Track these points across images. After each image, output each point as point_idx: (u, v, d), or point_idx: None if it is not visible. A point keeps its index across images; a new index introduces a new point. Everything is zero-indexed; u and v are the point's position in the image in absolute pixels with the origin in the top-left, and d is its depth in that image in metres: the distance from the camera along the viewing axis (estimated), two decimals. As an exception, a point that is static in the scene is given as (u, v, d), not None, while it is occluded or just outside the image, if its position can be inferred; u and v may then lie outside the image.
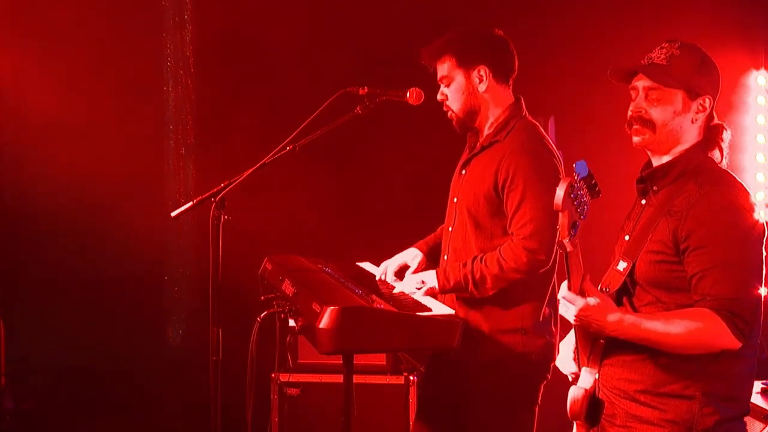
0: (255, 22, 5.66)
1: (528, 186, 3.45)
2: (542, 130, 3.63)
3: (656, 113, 2.71)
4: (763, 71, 5.31)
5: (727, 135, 2.75)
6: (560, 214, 2.49)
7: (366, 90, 3.69)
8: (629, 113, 2.75)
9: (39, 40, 5.63)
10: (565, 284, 2.62)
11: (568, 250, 2.52)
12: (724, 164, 2.76)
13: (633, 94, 2.77)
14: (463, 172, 3.71)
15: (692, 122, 2.71)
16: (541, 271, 3.47)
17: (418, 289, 3.57)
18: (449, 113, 3.67)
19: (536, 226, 3.42)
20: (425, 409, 3.82)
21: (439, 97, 3.68)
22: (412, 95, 3.70)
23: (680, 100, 2.70)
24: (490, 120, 3.64)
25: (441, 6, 5.31)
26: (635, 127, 2.73)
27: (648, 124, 2.71)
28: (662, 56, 2.71)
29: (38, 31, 5.63)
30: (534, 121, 3.65)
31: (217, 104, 5.74)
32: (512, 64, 3.66)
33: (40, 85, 5.60)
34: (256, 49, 5.68)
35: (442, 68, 3.64)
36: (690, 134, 2.72)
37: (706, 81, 2.71)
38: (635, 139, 2.74)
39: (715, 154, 2.75)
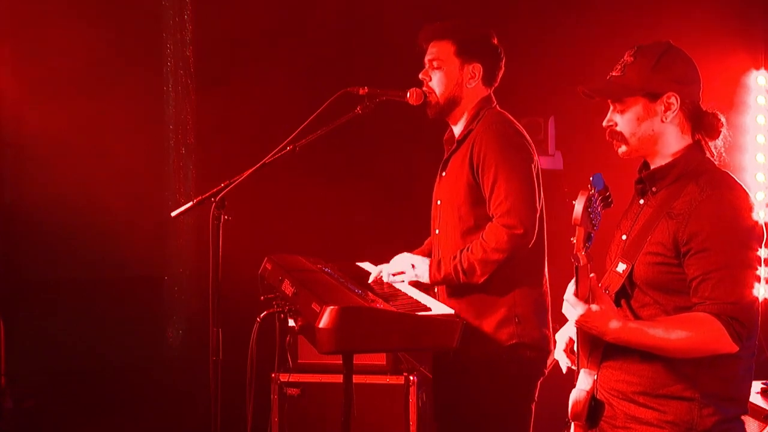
0: (255, 22, 5.66)
1: (499, 165, 3.48)
2: (511, 117, 3.67)
3: (622, 124, 2.73)
4: (763, 71, 5.31)
5: (722, 120, 2.74)
6: (577, 228, 2.51)
7: (366, 90, 3.69)
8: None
9: (39, 39, 5.63)
10: (571, 287, 2.61)
11: (581, 263, 2.53)
12: (716, 160, 2.75)
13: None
14: (443, 173, 3.73)
15: (662, 122, 2.71)
16: (525, 248, 3.46)
17: (402, 272, 3.61)
18: (429, 95, 3.68)
19: (511, 203, 3.44)
20: (436, 411, 3.84)
21: (421, 76, 3.69)
22: (412, 95, 3.70)
23: (641, 106, 2.70)
24: (464, 115, 3.67)
25: (441, 6, 5.31)
26: (613, 140, 2.76)
27: (618, 136, 2.74)
28: (619, 67, 2.73)
29: (38, 30, 5.64)
30: (502, 110, 3.69)
31: (217, 104, 5.74)
32: (497, 76, 3.72)
33: (39, 84, 5.60)
34: (256, 49, 5.69)
35: (438, 50, 3.66)
36: (670, 134, 2.72)
37: (664, 78, 2.68)
38: (618, 150, 2.77)
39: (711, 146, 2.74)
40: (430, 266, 3.57)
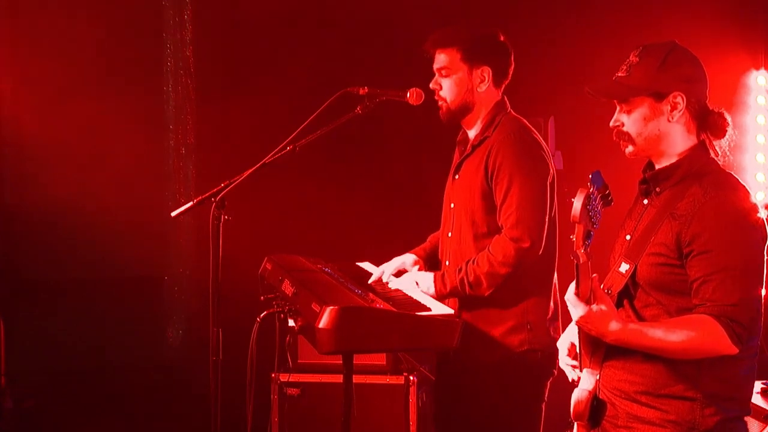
0: (255, 21, 5.66)
1: (514, 176, 3.48)
2: (528, 123, 3.66)
3: (629, 125, 2.72)
4: (763, 71, 5.32)
5: (728, 119, 2.73)
6: (576, 226, 2.51)
7: (366, 90, 3.69)
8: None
9: (38, 39, 5.63)
10: (572, 287, 2.61)
11: (581, 261, 2.53)
12: (720, 159, 2.75)
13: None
14: (456, 176, 3.71)
15: (669, 121, 2.70)
16: (531, 260, 3.46)
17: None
18: (441, 103, 3.67)
19: (520, 215, 3.44)
20: (438, 415, 3.83)
21: (432, 85, 3.68)
22: (412, 95, 3.70)
23: (647, 105, 2.69)
24: (479, 119, 3.66)
25: (442, 6, 5.31)
26: (620, 140, 2.75)
27: (625, 136, 2.73)
28: (624, 67, 2.73)
29: (38, 30, 5.63)
30: (519, 116, 3.68)
31: (217, 104, 5.74)
32: (509, 73, 3.70)
33: (39, 84, 5.60)
34: (256, 49, 5.69)
35: (445, 59, 3.64)
36: (676, 134, 2.71)
37: (670, 77, 2.68)
38: (625, 151, 2.77)
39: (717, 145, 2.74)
40: (435, 280, 3.57)
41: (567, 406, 2.73)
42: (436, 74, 3.68)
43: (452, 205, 3.71)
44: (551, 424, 3.68)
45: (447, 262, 3.72)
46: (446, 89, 3.64)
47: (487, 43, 3.65)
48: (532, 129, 3.64)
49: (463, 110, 3.65)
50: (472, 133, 3.69)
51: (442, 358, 3.75)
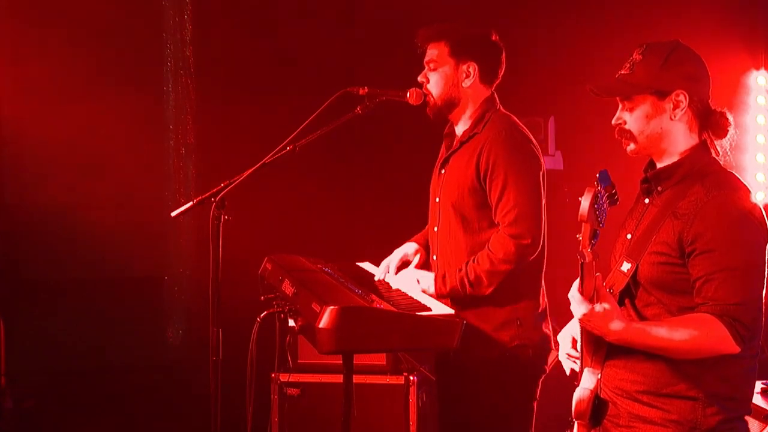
0: (255, 22, 5.66)
1: (509, 173, 3.49)
2: (518, 120, 3.67)
3: (631, 122, 2.72)
4: (763, 71, 5.32)
5: (730, 118, 2.73)
6: (583, 225, 2.52)
7: (366, 90, 3.69)
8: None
9: (38, 39, 5.63)
10: (576, 285, 2.61)
11: (587, 260, 2.53)
12: (720, 159, 2.75)
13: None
14: (443, 171, 3.73)
15: (671, 120, 2.71)
16: (531, 257, 3.48)
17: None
18: (428, 98, 3.69)
19: (519, 212, 3.45)
20: (441, 414, 3.85)
21: (420, 78, 3.71)
22: (412, 95, 3.70)
23: (649, 103, 2.70)
24: (467, 114, 3.67)
25: (442, 6, 5.31)
26: (621, 138, 2.76)
27: (627, 134, 2.74)
28: (627, 65, 2.73)
29: (37, 30, 5.63)
30: (508, 112, 3.69)
31: (217, 104, 5.74)
32: (499, 72, 3.71)
33: (40, 84, 5.60)
34: (256, 49, 5.69)
35: (434, 52, 3.67)
36: (678, 132, 2.72)
37: (673, 75, 2.68)
38: (627, 149, 2.77)
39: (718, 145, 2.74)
40: (435, 280, 3.58)
41: (565, 405, 2.73)
42: (425, 67, 3.71)
43: (437, 200, 3.73)
44: (550, 423, 3.68)
45: (434, 257, 3.74)
46: (432, 83, 3.67)
47: (477, 41, 3.67)
48: (522, 125, 3.66)
49: (448, 105, 3.67)
50: (459, 129, 3.71)
51: (441, 357, 3.76)
